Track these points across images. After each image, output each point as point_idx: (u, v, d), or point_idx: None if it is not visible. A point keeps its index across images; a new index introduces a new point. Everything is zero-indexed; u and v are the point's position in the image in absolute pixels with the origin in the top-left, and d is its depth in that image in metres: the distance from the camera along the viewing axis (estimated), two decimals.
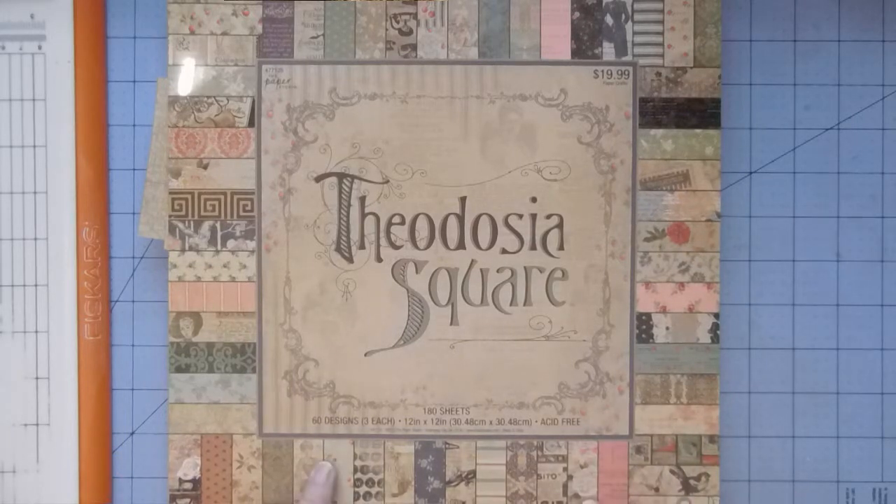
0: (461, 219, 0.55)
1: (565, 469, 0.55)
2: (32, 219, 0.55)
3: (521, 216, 0.55)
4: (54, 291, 0.55)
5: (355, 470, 0.55)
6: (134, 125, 0.57)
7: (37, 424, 0.56)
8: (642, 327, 0.55)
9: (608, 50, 0.55)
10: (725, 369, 0.56)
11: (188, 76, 0.54)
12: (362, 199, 0.55)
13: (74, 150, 0.55)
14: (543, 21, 0.55)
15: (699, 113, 0.55)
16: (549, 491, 0.55)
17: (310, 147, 0.55)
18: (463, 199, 0.55)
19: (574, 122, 0.55)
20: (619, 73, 0.54)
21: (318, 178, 0.55)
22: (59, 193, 0.55)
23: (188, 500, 0.55)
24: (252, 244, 0.55)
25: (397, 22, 0.55)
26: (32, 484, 0.56)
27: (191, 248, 0.55)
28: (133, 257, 0.57)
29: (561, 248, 0.55)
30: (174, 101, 0.54)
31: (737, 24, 0.57)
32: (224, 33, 0.54)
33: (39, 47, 0.55)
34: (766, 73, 0.56)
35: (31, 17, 0.55)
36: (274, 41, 0.54)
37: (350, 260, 0.55)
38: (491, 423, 0.55)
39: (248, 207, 0.55)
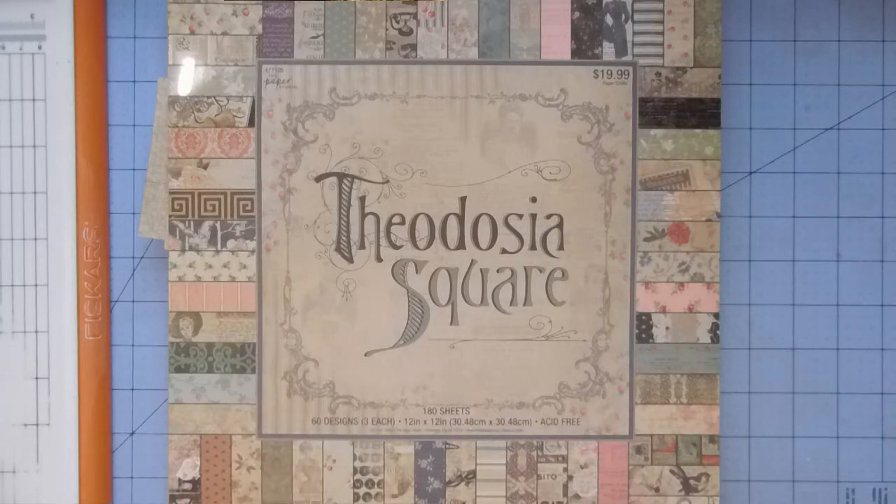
0: (461, 219, 0.55)
1: (565, 469, 0.55)
2: (32, 219, 0.55)
3: (521, 216, 0.55)
4: (54, 291, 0.55)
5: (355, 471, 0.55)
6: (134, 125, 0.57)
7: (37, 424, 0.56)
8: (642, 327, 0.55)
9: (608, 50, 0.55)
10: (725, 369, 0.56)
11: (188, 76, 0.54)
12: (362, 199, 0.55)
13: (74, 150, 0.55)
14: (543, 21, 0.55)
15: (699, 113, 0.55)
16: (549, 491, 0.55)
17: (310, 147, 0.55)
18: (463, 199, 0.55)
19: (574, 122, 0.55)
20: (619, 73, 0.55)
21: (318, 178, 0.55)
22: (59, 193, 0.55)
23: (188, 500, 0.55)
24: (252, 244, 0.55)
25: (397, 22, 0.55)
26: (32, 484, 0.56)
27: (191, 248, 0.55)
28: (133, 257, 0.57)
29: (561, 248, 0.55)
30: (174, 101, 0.54)
31: (737, 24, 0.57)
32: (224, 33, 0.54)
33: (39, 47, 0.55)
34: (766, 73, 0.56)
35: (31, 17, 0.55)
36: (274, 41, 0.54)
37: (350, 260, 0.55)
38: (491, 423, 0.55)
39: (248, 207, 0.55)
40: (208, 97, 0.54)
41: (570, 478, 0.55)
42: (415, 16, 0.55)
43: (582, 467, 0.55)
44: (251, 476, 0.55)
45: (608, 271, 0.55)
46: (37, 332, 0.56)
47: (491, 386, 0.55)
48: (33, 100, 0.55)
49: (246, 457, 0.55)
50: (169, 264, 0.55)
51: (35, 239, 0.55)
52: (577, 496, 0.55)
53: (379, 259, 0.55)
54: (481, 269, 0.55)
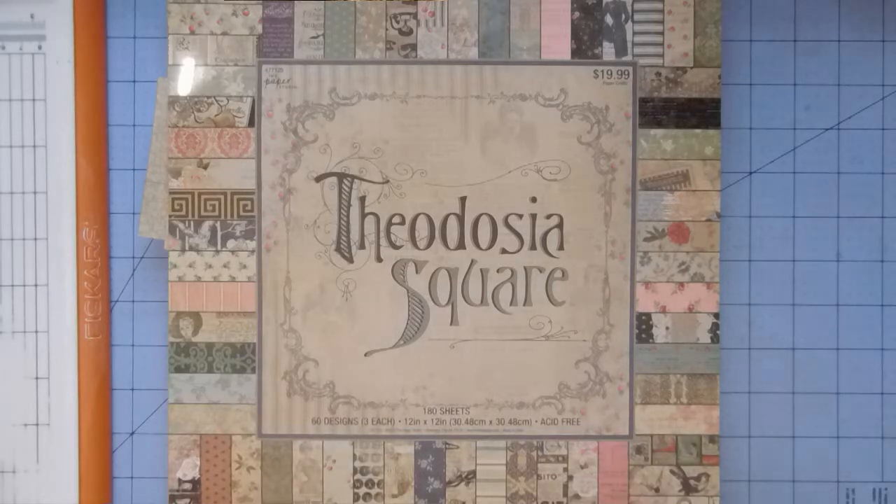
0: (461, 219, 0.55)
1: (565, 469, 0.55)
2: (32, 219, 0.55)
3: (521, 216, 0.55)
4: (54, 291, 0.55)
5: (355, 471, 0.55)
6: (134, 125, 0.57)
7: (37, 424, 0.56)
8: (642, 327, 0.55)
9: (608, 50, 0.55)
10: (725, 369, 0.56)
11: (188, 76, 0.54)
12: (362, 199, 0.55)
13: (74, 150, 0.55)
14: (543, 21, 0.55)
15: (699, 113, 0.55)
16: (549, 491, 0.55)
17: (310, 147, 0.55)
18: (463, 199, 0.55)
19: (574, 122, 0.55)
20: (619, 73, 0.55)
21: (318, 178, 0.55)
22: (59, 193, 0.55)
23: (188, 500, 0.55)
24: (252, 244, 0.55)
25: (397, 22, 0.55)
26: (32, 484, 0.56)
27: (191, 248, 0.55)
28: (133, 257, 0.57)
29: (561, 248, 0.55)
30: (174, 101, 0.54)
31: (737, 24, 0.57)
32: (224, 33, 0.54)
33: (39, 47, 0.55)
34: (766, 73, 0.56)
35: (31, 17, 0.55)
36: (274, 41, 0.54)
37: (350, 260, 0.55)
38: (491, 423, 0.55)
39: (248, 207, 0.55)
40: (208, 97, 0.54)
41: (570, 478, 0.55)
42: (415, 16, 0.55)
43: (582, 467, 0.55)
44: (251, 476, 0.55)
45: (608, 271, 0.55)
46: (37, 332, 0.55)
47: (491, 386, 0.55)
48: (33, 100, 0.55)
49: (246, 457, 0.55)
50: (169, 264, 0.55)
51: (35, 239, 0.55)
52: (577, 496, 0.55)
53: (379, 259, 0.55)
54: (481, 269, 0.55)
